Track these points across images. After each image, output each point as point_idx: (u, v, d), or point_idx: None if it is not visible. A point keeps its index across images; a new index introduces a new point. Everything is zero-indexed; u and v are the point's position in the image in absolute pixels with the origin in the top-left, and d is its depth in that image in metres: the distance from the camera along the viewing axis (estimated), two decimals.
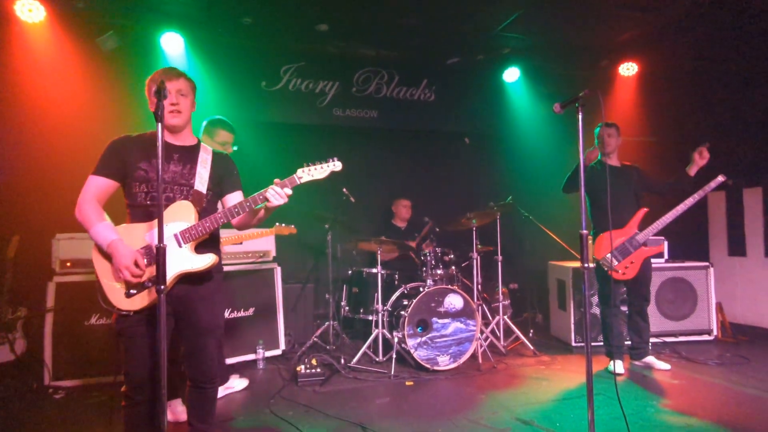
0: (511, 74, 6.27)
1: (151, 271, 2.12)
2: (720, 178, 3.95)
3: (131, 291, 2.10)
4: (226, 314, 4.34)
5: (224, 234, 3.90)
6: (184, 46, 5.11)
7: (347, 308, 5.11)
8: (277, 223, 4.23)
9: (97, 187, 2.20)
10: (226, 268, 4.39)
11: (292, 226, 4.23)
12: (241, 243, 4.52)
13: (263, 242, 4.80)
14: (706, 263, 5.10)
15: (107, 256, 2.12)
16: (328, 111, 5.86)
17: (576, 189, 4.13)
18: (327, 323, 4.89)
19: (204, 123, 3.60)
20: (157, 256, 1.87)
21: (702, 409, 3.26)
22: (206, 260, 2.22)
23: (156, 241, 2.06)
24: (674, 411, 3.25)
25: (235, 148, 3.67)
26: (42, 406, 3.51)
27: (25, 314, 4.28)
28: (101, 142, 2.28)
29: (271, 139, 5.55)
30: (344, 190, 4.87)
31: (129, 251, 2.09)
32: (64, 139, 4.62)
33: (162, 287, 1.86)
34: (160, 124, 1.93)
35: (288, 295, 4.98)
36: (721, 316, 5.17)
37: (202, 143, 2.42)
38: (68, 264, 4.01)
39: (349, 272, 5.24)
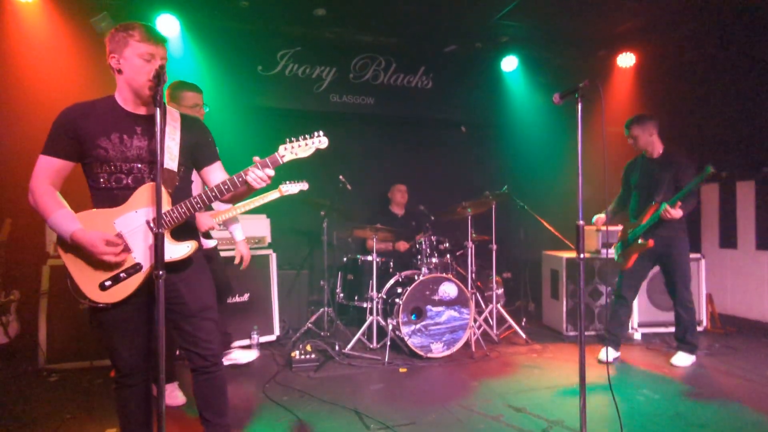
0: (509, 63, 6.23)
1: (125, 261, 1.98)
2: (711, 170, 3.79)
3: (106, 283, 1.95)
4: None
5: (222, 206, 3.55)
6: (180, 29, 5.04)
7: (342, 295, 5.13)
8: (282, 185, 3.36)
9: (49, 169, 1.97)
10: (221, 254, 4.39)
11: (304, 182, 3.41)
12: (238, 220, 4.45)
13: (259, 228, 4.80)
14: (698, 255, 5.16)
15: (73, 248, 1.95)
16: (325, 97, 5.82)
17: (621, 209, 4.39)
18: (321, 310, 4.91)
19: (167, 91, 3.26)
20: (155, 240, 1.84)
21: (690, 397, 3.32)
22: (185, 249, 2.04)
23: (127, 228, 1.98)
24: (663, 398, 3.31)
25: (206, 109, 3.37)
26: (36, 389, 3.52)
27: (18, 297, 4.27)
28: None
29: (267, 125, 5.51)
30: (341, 177, 4.86)
31: (96, 237, 1.91)
32: None
33: (161, 272, 1.82)
34: (159, 110, 1.83)
35: (283, 281, 4.99)
36: (711, 307, 5.24)
37: (168, 107, 2.16)
38: None
39: (345, 259, 5.25)
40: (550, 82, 6.22)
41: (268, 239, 4.84)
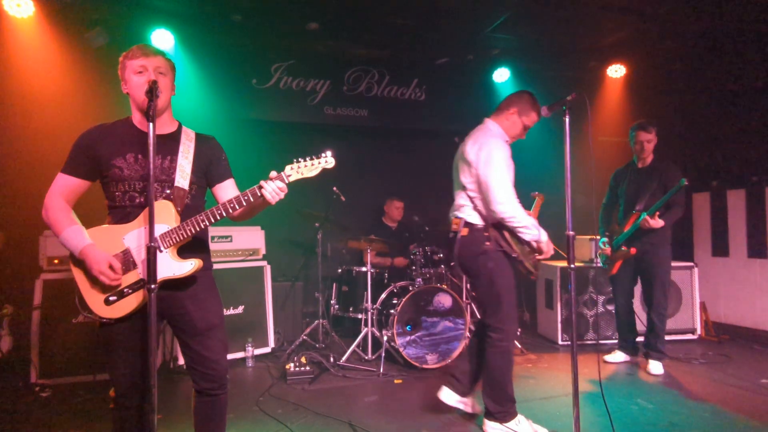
0: (501, 75, 6.31)
1: (129, 278, 2.00)
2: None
3: (110, 298, 1.98)
4: None
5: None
6: (174, 43, 5.08)
7: (336, 306, 5.12)
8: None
9: (65, 186, 2.05)
10: (215, 266, 4.39)
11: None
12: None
13: (253, 240, 4.81)
14: (691, 263, 5.20)
15: (82, 263, 2.00)
16: (319, 109, 5.86)
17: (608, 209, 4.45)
18: (316, 321, 4.90)
19: None
20: (147, 254, 1.84)
21: (684, 407, 3.33)
22: (188, 267, 2.03)
23: (135, 244, 2.00)
24: (657, 408, 3.32)
25: None
26: (28, 404, 3.49)
27: (11, 311, 4.24)
28: None
29: (262, 137, 5.54)
30: (334, 188, 4.88)
31: (102, 256, 1.96)
32: (52, 135, 4.57)
33: (153, 287, 1.82)
34: (151, 125, 1.85)
35: (277, 293, 4.98)
36: (705, 315, 5.26)
37: (183, 127, 2.20)
38: (56, 261, 3.99)
39: (339, 270, 5.25)
40: (542, 93, 6.18)
41: (263, 251, 4.84)
